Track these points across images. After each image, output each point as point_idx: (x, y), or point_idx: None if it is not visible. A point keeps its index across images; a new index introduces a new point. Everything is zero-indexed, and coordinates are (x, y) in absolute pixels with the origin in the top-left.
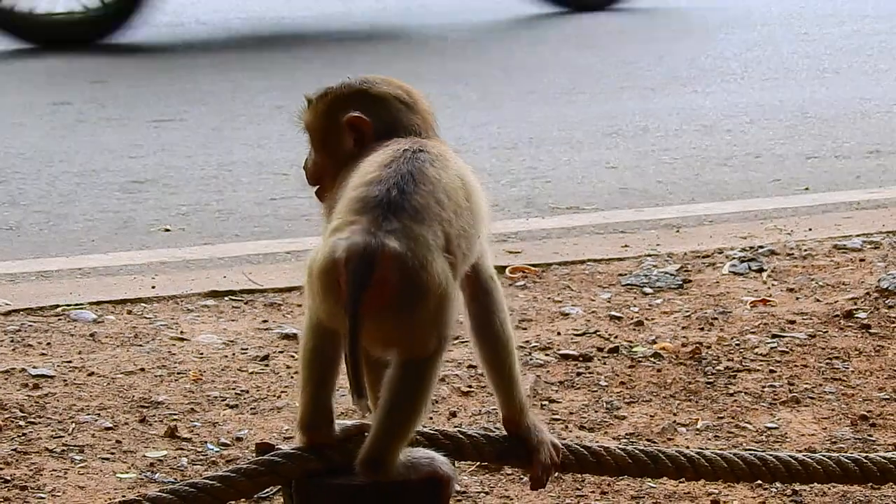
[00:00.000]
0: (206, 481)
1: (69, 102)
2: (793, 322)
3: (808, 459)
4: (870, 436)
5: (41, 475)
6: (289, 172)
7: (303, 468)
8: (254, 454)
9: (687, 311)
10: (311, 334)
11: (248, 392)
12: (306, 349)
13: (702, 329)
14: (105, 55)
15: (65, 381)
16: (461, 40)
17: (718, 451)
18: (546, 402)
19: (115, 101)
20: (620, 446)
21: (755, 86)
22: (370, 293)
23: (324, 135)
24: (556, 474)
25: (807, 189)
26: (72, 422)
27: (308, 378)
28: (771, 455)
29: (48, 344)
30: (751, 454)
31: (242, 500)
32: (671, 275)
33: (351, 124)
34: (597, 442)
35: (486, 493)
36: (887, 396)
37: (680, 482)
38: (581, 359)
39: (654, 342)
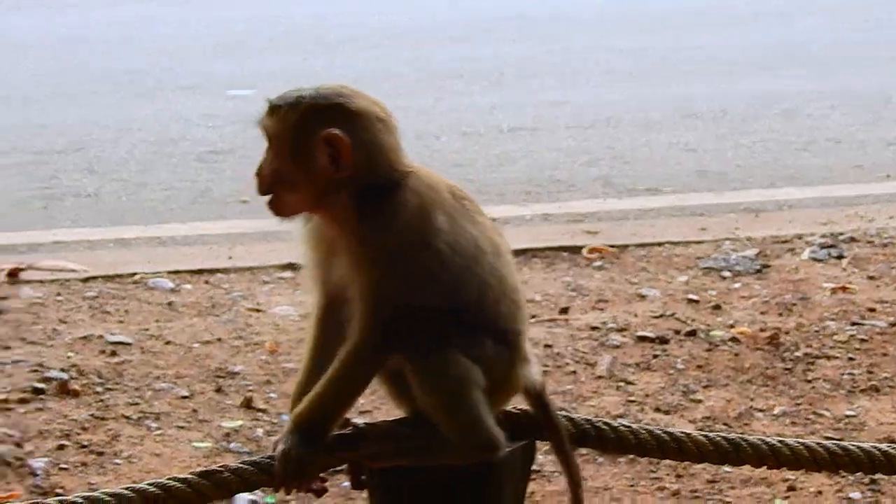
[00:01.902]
0: None
1: (145, 70)
2: (873, 310)
3: (891, 450)
4: None
5: (118, 441)
6: None
7: None
8: None
9: (765, 297)
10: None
11: None
12: (478, 398)
13: (780, 315)
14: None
15: (142, 348)
16: (538, 20)
17: (800, 440)
18: (622, 384)
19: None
20: (702, 433)
21: (837, 71)
22: None
23: (293, 147)
24: (631, 457)
25: (888, 176)
26: (148, 389)
27: (484, 408)
28: (853, 445)
29: (126, 311)
30: (833, 443)
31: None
32: (750, 259)
33: (328, 141)
34: (673, 425)
35: (561, 473)
36: None
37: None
38: (658, 341)
39: (731, 326)
